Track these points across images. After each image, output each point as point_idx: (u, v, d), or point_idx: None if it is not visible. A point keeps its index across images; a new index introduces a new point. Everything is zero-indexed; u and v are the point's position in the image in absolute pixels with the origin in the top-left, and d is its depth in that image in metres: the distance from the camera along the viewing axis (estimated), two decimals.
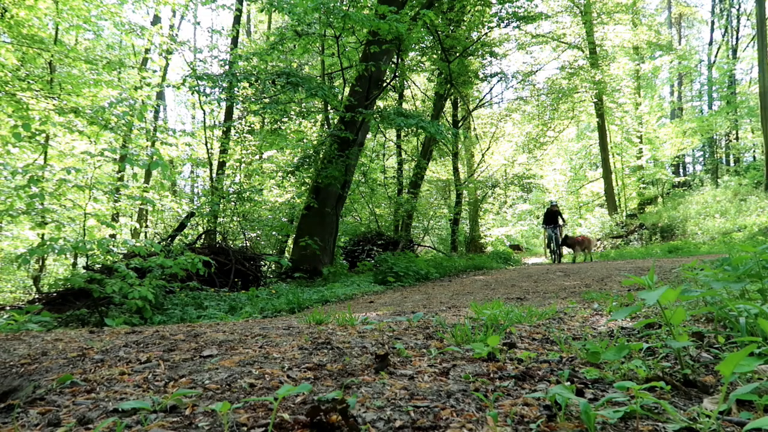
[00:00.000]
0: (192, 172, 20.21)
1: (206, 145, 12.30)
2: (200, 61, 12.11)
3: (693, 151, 30.26)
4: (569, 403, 1.14)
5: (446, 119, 18.42)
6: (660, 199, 24.02)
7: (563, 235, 14.00)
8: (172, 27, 17.43)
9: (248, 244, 11.19)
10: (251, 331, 2.34)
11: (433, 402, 1.21)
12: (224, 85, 9.26)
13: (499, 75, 16.40)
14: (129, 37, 13.83)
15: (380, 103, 13.29)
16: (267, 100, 9.77)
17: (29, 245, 10.48)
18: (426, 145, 15.92)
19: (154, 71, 15.28)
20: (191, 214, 10.41)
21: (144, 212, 17.22)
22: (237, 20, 14.44)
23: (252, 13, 21.63)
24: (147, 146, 13.47)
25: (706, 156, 30.52)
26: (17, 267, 11.47)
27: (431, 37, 12.57)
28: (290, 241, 13.15)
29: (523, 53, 19.69)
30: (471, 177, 19.87)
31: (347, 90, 11.26)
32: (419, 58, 13.99)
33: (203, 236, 9.96)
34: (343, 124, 10.17)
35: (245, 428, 1.05)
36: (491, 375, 1.48)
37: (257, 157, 13.89)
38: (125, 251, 7.25)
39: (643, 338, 1.94)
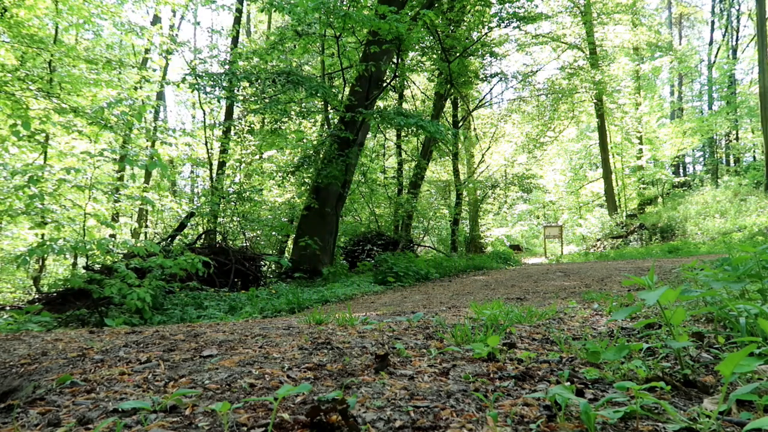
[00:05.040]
0: (192, 172, 20.22)
1: (206, 145, 12.29)
2: (200, 60, 12.10)
3: (693, 151, 30.27)
4: (569, 403, 1.14)
5: (446, 119, 18.42)
6: (660, 200, 24.01)
7: None
8: (172, 27, 17.42)
9: (248, 244, 11.19)
10: (251, 331, 2.34)
11: (433, 402, 1.21)
12: (224, 84, 9.26)
13: (499, 75, 16.40)
14: (129, 37, 13.82)
15: (380, 103, 13.28)
16: (267, 100, 9.77)
17: (29, 245, 10.48)
18: (426, 145, 15.93)
19: (154, 70, 15.28)
20: (191, 214, 10.40)
21: (144, 212, 17.21)
22: (237, 20, 14.44)
23: (252, 13, 21.62)
24: (147, 146, 13.47)
25: (706, 156, 30.53)
26: (17, 267, 11.47)
27: (431, 37, 12.57)
28: (290, 241, 13.15)
29: (523, 54, 19.68)
30: (471, 177, 19.87)
31: (347, 90, 11.26)
32: (419, 58, 13.99)
33: (203, 236, 9.96)
34: (343, 124, 10.17)
35: (245, 428, 1.05)
36: (491, 375, 1.48)
37: (257, 157, 13.88)
38: (125, 251, 7.25)
39: (643, 338, 1.94)
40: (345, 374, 1.49)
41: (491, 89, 22.10)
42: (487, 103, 20.98)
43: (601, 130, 21.69)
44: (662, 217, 18.84)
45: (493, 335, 1.83)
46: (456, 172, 18.72)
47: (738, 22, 28.83)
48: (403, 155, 17.51)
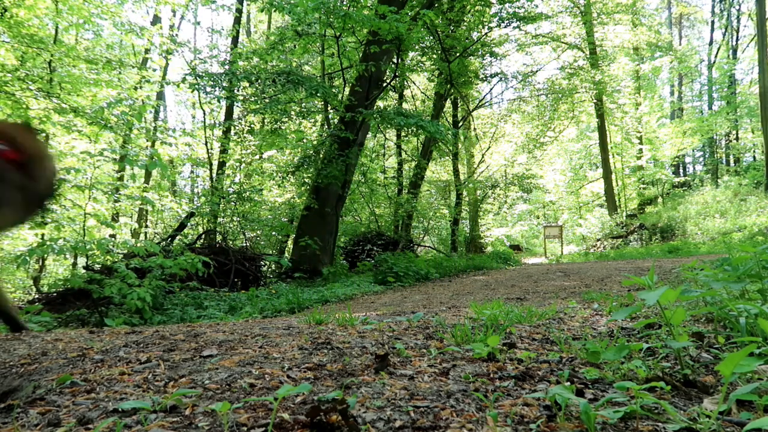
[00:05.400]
0: (192, 172, 20.21)
1: (206, 144, 12.30)
2: (200, 60, 12.09)
3: (693, 151, 30.25)
4: (569, 403, 1.14)
5: (446, 119, 18.41)
6: (660, 200, 24.00)
7: None
8: (172, 27, 17.41)
9: (248, 244, 11.19)
10: (251, 331, 2.34)
11: (433, 402, 1.21)
12: (224, 84, 9.27)
13: (499, 75, 16.41)
14: (129, 37, 13.82)
15: (380, 103, 13.27)
16: (267, 100, 9.78)
17: (29, 245, 10.47)
18: (426, 145, 15.93)
19: (154, 70, 15.28)
20: (191, 214, 10.41)
21: (144, 212, 17.22)
22: (237, 20, 14.44)
23: (252, 13, 21.62)
24: (147, 146, 13.47)
25: (706, 156, 30.52)
26: (17, 267, 11.47)
27: (431, 37, 12.57)
28: (290, 241, 13.15)
29: (523, 54, 19.69)
30: (471, 177, 19.87)
31: (347, 90, 11.27)
32: (419, 58, 13.99)
33: (203, 236, 9.96)
34: (343, 124, 10.18)
35: (245, 428, 1.05)
36: (491, 375, 1.48)
37: (257, 157, 13.89)
38: (125, 251, 7.25)
39: (643, 338, 1.94)
40: (345, 374, 1.49)
41: (491, 89, 22.14)
42: (487, 103, 20.99)
43: (601, 130, 21.69)
44: (662, 217, 18.84)
45: (493, 335, 1.83)
46: (456, 172, 18.72)
47: (738, 22, 28.82)
48: (403, 155, 17.51)
